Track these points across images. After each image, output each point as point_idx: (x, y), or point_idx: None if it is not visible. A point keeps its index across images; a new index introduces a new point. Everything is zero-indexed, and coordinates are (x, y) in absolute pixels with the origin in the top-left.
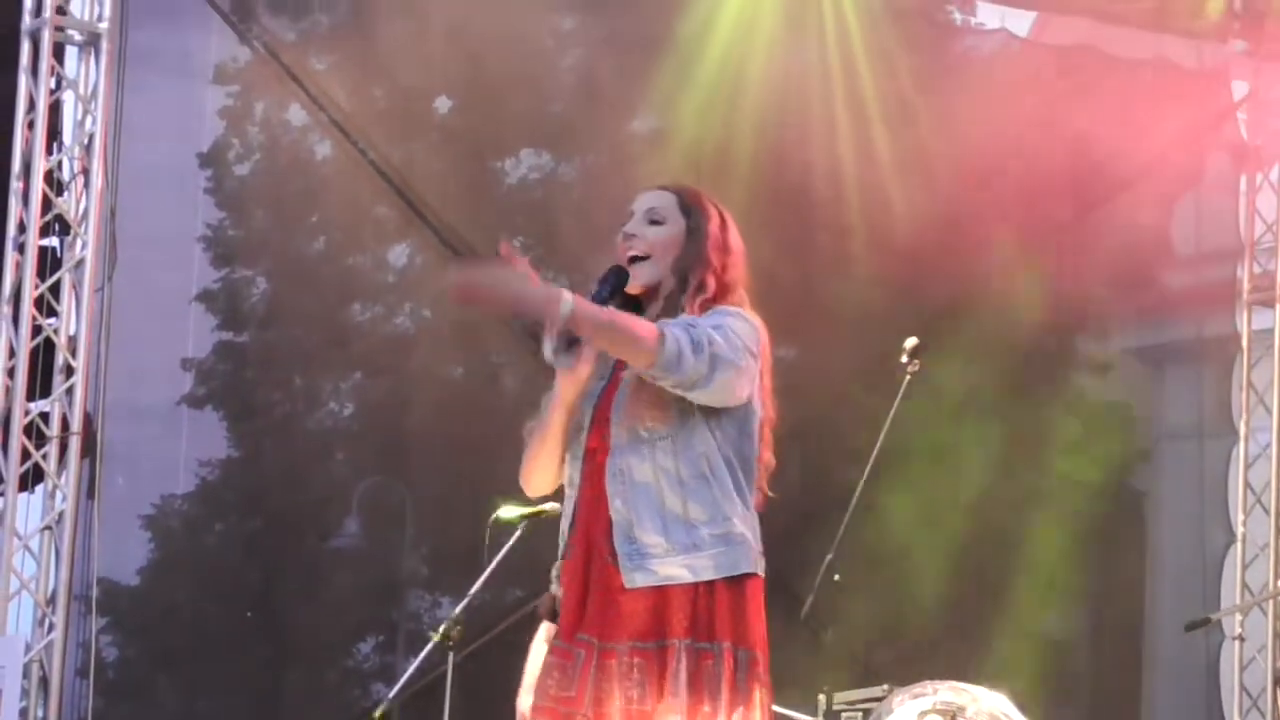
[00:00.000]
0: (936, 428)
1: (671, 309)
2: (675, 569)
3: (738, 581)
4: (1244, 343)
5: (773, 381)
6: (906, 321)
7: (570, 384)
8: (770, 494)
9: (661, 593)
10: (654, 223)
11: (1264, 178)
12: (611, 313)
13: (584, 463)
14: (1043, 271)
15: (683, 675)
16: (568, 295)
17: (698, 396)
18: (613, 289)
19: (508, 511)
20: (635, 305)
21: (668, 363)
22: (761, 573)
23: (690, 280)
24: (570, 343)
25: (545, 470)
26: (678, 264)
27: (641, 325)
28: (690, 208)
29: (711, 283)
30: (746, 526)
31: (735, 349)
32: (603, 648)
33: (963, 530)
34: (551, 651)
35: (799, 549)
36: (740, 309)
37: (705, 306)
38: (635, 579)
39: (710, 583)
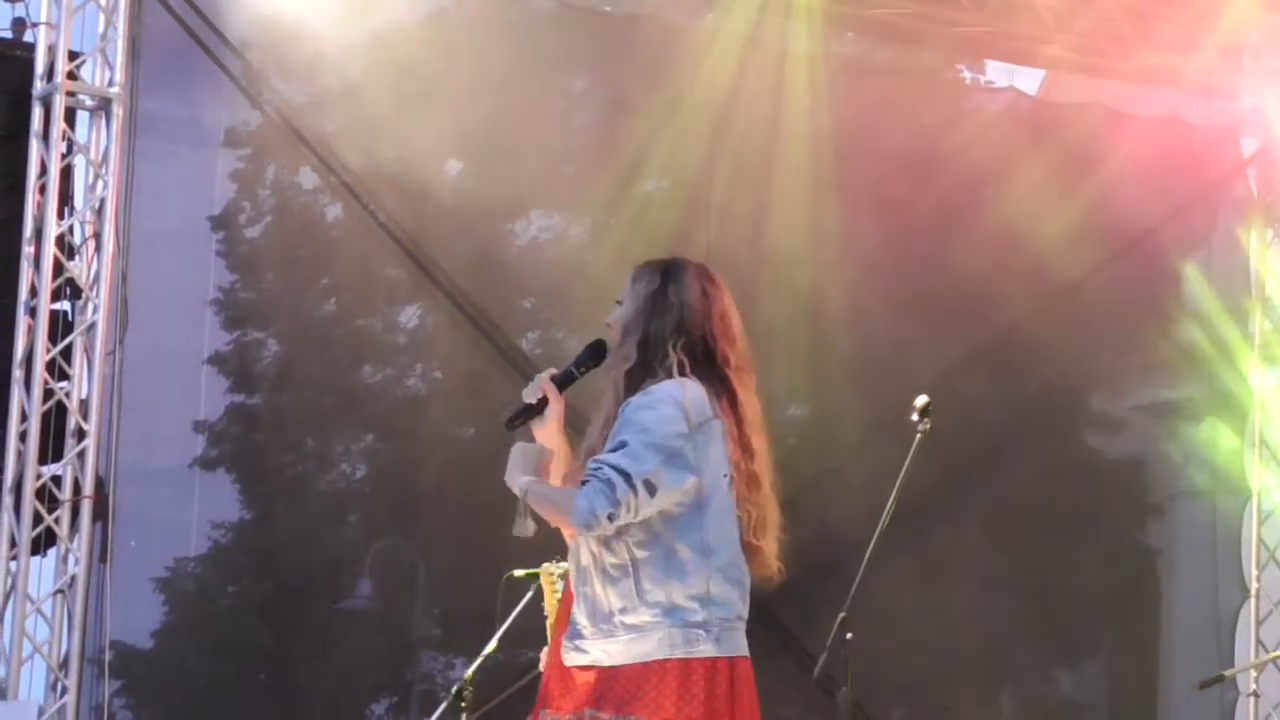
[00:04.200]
0: (947, 485)
1: (633, 386)
2: (596, 652)
3: (650, 667)
4: (1256, 399)
5: (738, 427)
6: (919, 378)
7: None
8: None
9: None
10: (618, 303)
11: (1274, 234)
12: (548, 495)
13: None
14: (1054, 329)
15: None
16: (525, 483)
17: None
18: (582, 362)
19: (520, 571)
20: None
21: (587, 524)
22: (689, 655)
23: (629, 353)
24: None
25: None
26: (626, 340)
27: (567, 500)
28: (633, 282)
29: (633, 353)
30: (672, 613)
31: (643, 458)
32: None
33: (976, 589)
34: None
35: (812, 606)
36: (653, 391)
37: (629, 380)
38: (570, 657)
39: (622, 665)
